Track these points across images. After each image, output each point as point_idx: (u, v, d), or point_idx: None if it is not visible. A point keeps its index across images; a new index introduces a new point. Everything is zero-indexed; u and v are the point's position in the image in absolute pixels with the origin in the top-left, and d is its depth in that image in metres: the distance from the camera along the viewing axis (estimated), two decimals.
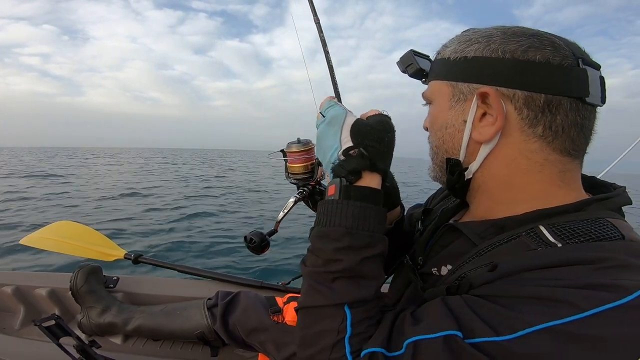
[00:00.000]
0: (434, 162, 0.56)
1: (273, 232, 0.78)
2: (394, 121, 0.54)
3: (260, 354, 1.00)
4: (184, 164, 25.91)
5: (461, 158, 0.49)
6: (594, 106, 0.44)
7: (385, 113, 0.55)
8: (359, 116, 0.55)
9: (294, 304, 1.03)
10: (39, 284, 1.35)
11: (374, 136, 0.51)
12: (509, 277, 0.39)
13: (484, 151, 0.47)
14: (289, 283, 1.39)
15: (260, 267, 3.48)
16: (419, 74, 0.57)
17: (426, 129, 0.58)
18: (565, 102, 0.42)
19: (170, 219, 5.59)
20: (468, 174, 0.50)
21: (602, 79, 0.44)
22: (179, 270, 1.46)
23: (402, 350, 0.39)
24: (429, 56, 0.58)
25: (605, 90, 0.44)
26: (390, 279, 0.73)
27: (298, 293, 1.23)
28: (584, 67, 0.42)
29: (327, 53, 0.66)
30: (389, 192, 0.63)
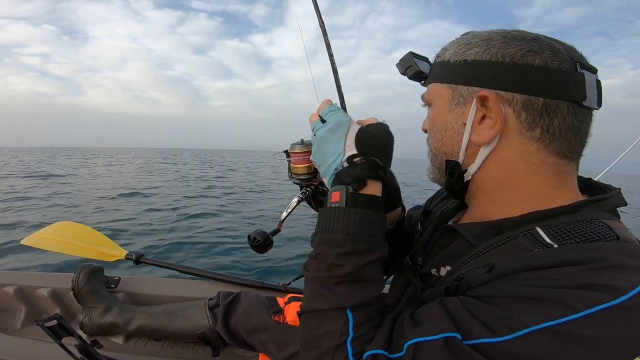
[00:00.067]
0: (433, 164, 0.56)
1: (276, 232, 0.78)
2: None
3: (261, 354, 1.01)
4: (184, 164, 25.92)
5: (460, 160, 0.50)
6: (590, 109, 0.45)
7: (384, 122, 0.56)
8: (356, 122, 0.56)
9: (294, 304, 1.04)
10: (41, 284, 1.36)
11: (377, 145, 0.52)
12: (505, 278, 0.40)
13: (483, 153, 0.48)
14: (289, 283, 1.39)
15: (261, 267, 3.48)
16: (418, 76, 0.57)
17: (425, 131, 0.59)
18: (563, 105, 0.43)
19: (171, 219, 5.59)
20: (467, 176, 0.51)
21: (598, 83, 0.45)
22: (180, 271, 1.47)
23: (403, 352, 0.39)
24: (427, 58, 0.59)
25: (601, 93, 0.45)
26: (390, 279, 0.74)
27: (299, 293, 1.24)
28: (581, 71, 0.43)
29: (331, 56, 0.66)
30: (391, 193, 0.64)
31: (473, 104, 0.47)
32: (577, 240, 0.40)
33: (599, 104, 0.45)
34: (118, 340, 1.24)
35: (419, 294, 0.54)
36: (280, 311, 1.03)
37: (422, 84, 0.58)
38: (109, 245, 1.52)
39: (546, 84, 0.43)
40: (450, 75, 0.50)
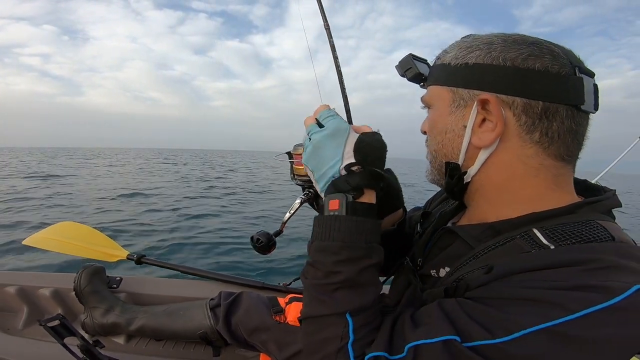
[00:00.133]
0: (432, 166, 0.57)
1: (279, 233, 0.79)
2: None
3: (262, 354, 1.01)
4: (184, 164, 25.94)
5: (460, 162, 0.51)
6: (587, 113, 0.46)
7: (378, 131, 0.56)
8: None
9: (295, 304, 1.04)
10: (43, 284, 1.36)
11: (374, 155, 0.52)
12: (503, 279, 0.41)
13: (482, 156, 0.48)
14: (290, 284, 1.40)
15: (262, 268, 3.49)
16: (417, 78, 0.57)
17: (424, 133, 0.59)
18: (562, 109, 0.44)
19: (172, 219, 5.60)
20: (467, 178, 0.51)
21: (595, 87, 0.45)
22: (181, 271, 1.48)
23: (404, 354, 0.40)
24: (427, 60, 0.59)
25: (598, 97, 0.46)
26: (391, 279, 0.74)
27: (299, 293, 1.25)
28: (580, 75, 0.44)
29: (336, 59, 0.66)
30: (392, 195, 0.64)
31: (474, 106, 0.47)
32: (573, 241, 0.41)
33: (596, 108, 0.46)
34: (120, 340, 1.24)
35: (418, 294, 0.55)
36: (281, 311, 1.04)
37: (422, 86, 0.59)
38: (111, 245, 1.53)
39: (546, 87, 0.43)
40: (450, 78, 0.50)
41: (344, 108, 0.67)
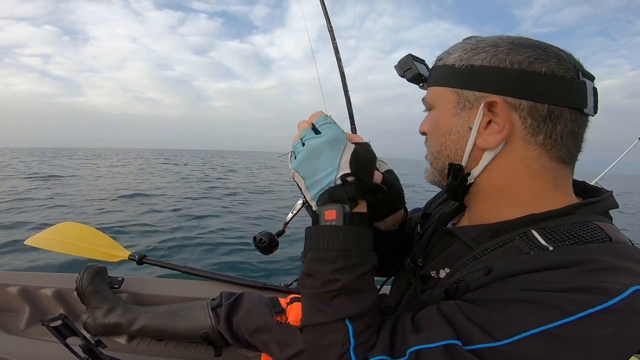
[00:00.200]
0: (433, 167, 0.57)
1: (281, 233, 0.79)
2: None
3: (263, 354, 1.02)
4: (185, 164, 25.96)
5: (463, 163, 0.51)
6: (587, 116, 0.47)
7: (368, 142, 0.56)
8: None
9: (296, 305, 1.05)
10: (45, 284, 1.36)
11: (368, 167, 0.53)
12: (502, 281, 0.41)
13: (487, 157, 0.48)
14: (291, 284, 1.41)
15: (263, 268, 3.49)
16: (416, 79, 0.57)
17: (423, 133, 0.59)
18: (566, 112, 0.44)
19: (173, 220, 5.61)
20: (470, 179, 0.51)
21: (595, 90, 0.46)
22: (182, 271, 1.48)
23: (406, 358, 0.40)
24: (424, 61, 0.59)
25: (597, 100, 0.47)
26: (391, 280, 0.74)
27: (300, 294, 1.25)
28: (583, 79, 0.44)
29: (339, 60, 0.66)
30: (393, 196, 0.64)
31: (480, 109, 0.47)
32: (571, 242, 0.42)
33: (595, 111, 0.47)
34: (121, 340, 1.25)
35: (419, 295, 0.56)
36: (282, 311, 1.04)
37: (421, 87, 0.59)
38: (112, 245, 1.53)
39: (552, 91, 0.44)
40: (455, 80, 0.50)
41: (346, 109, 0.67)
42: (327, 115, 0.56)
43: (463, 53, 0.49)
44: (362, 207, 0.52)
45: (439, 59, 0.53)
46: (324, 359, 0.47)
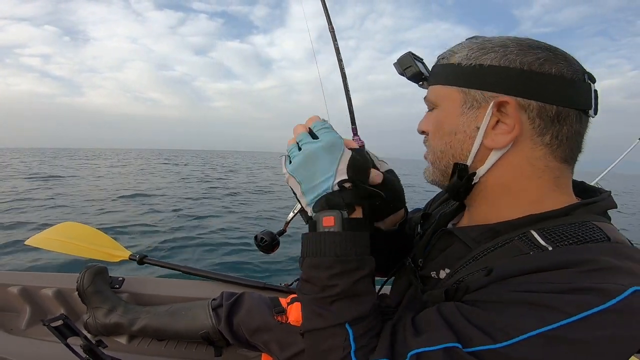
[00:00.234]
0: (435, 166, 0.56)
1: (282, 232, 0.79)
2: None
3: (263, 354, 1.02)
4: (185, 165, 25.98)
5: (468, 163, 0.50)
6: (589, 117, 0.47)
7: (362, 146, 0.56)
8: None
9: (297, 305, 1.05)
10: (45, 284, 1.36)
11: (364, 173, 0.53)
12: (502, 282, 0.41)
13: (493, 157, 0.48)
14: (291, 284, 1.41)
15: (264, 268, 3.50)
16: (417, 77, 0.57)
17: (422, 132, 0.58)
18: (573, 114, 0.45)
19: (174, 220, 5.62)
20: (475, 179, 0.51)
21: (595, 92, 0.47)
22: (183, 271, 1.48)
23: None
24: (422, 59, 0.59)
25: (597, 102, 0.47)
26: (392, 280, 0.74)
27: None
28: (587, 81, 0.45)
29: (340, 61, 0.65)
30: (394, 196, 0.64)
31: (489, 108, 0.47)
32: (570, 242, 0.42)
33: (595, 112, 0.47)
34: (122, 340, 1.25)
35: (419, 296, 0.56)
36: (283, 311, 1.05)
37: (421, 85, 0.58)
38: (113, 245, 1.53)
39: (561, 92, 0.44)
40: (462, 79, 0.49)
41: (346, 109, 0.67)
42: (324, 120, 0.56)
43: (470, 52, 0.48)
44: (358, 213, 0.52)
45: (442, 57, 0.53)
46: None
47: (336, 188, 0.50)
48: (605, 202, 0.49)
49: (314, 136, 0.53)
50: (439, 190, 0.68)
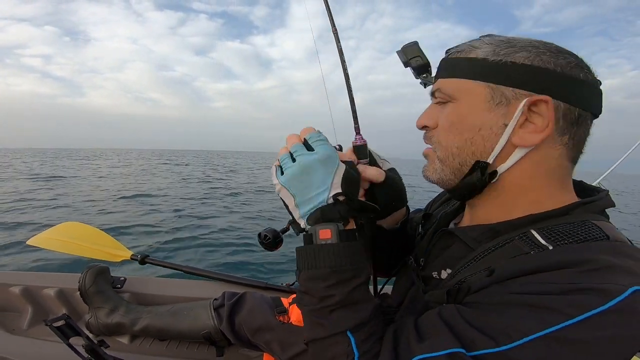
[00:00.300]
0: (445, 164, 0.53)
1: (285, 230, 0.79)
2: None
3: (265, 354, 1.02)
4: (186, 165, 26.00)
5: (490, 160, 0.49)
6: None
7: (352, 161, 0.57)
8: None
9: None
10: (47, 284, 1.37)
11: (356, 186, 0.54)
12: (503, 283, 0.41)
13: (518, 154, 0.48)
14: (293, 284, 1.41)
15: (265, 268, 3.50)
16: (423, 68, 0.56)
17: (422, 128, 0.57)
18: (589, 117, 0.47)
19: (175, 220, 5.62)
20: (496, 176, 0.50)
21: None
22: (184, 271, 1.48)
23: None
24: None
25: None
26: (393, 279, 0.75)
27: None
28: (600, 87, 0.47)
29: (343, 62, 0.64)
30: (395, 195, 0.65)
31: (520, 106, 0.46)
32: (570, 241, 0.42)
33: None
34: (124, 340, 1.25)
35: (421, 295, 0.56)
36: (284, 311, 1.05)
37: (424, 78, 0.58)
38: (115, 245, 1.53)
39: (585, 96, 0.46)
40: (490, 74, 0.48)
41: (348, 108, 0.67)
42: (319, 132, 0.55)
43: (498, 48, 0.48)
44: (352, 225, 0.53)
45: (458, 51, 0.52)
46: None
47: (330, 201, 0.50)
48: (603, 201, 0.49)
49: (309, 148, 0.53)
50: (440, 190, 0.67)
